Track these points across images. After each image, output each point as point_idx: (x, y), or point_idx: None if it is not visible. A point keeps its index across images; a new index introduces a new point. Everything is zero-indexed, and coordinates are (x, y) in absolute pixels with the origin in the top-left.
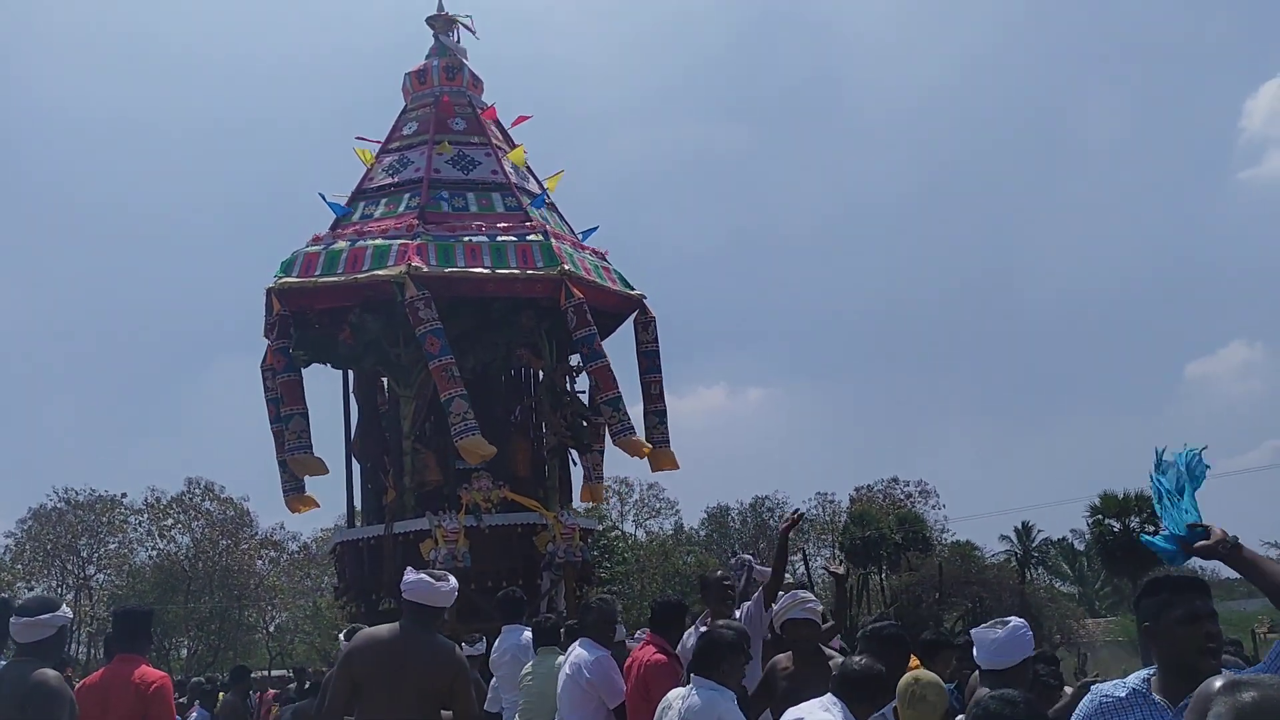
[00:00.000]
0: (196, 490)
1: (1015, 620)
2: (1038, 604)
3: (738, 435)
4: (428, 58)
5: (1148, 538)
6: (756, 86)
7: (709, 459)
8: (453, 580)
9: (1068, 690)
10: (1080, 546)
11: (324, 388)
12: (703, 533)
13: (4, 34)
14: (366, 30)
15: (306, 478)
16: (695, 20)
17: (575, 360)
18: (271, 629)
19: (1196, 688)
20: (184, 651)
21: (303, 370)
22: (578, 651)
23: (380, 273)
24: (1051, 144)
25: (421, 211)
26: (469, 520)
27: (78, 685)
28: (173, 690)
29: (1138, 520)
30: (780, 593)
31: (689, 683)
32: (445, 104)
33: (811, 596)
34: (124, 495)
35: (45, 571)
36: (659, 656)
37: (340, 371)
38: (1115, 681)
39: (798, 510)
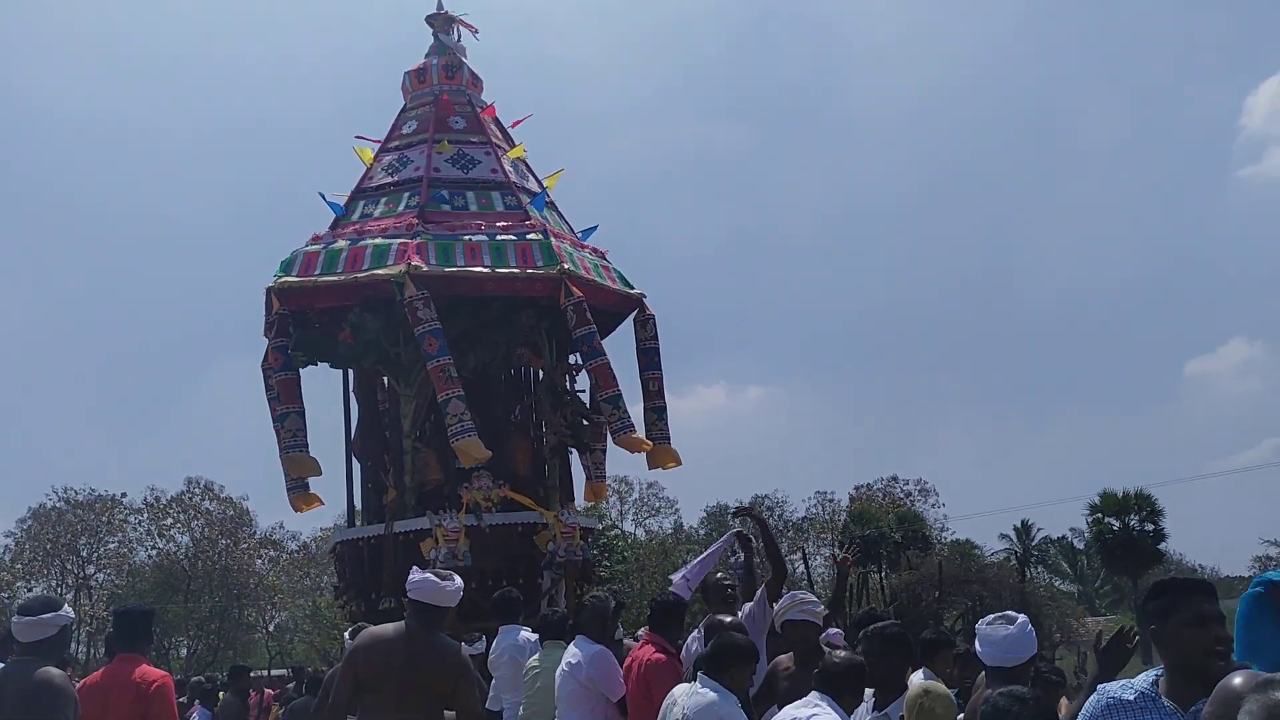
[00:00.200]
0: (196, 490)
1: (1021, 616)
2: (1037, 602)
3: (737, 434)
4: (427, 56)
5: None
6: (756, 87)
7: (709, 458)
8: (458, 580)
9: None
10: (1080, 545)
11: (324, 387)
12: (702, 532)
13: (6, 36)
14: (366, 29)
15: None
16: (695, 20)
17: (575, 359)
18: (271, 628)
19: (1205, 690)
20: (184, 651)
21: (302, 369)
22: (574, 649)
23: (380, 272)
24: (1051, 142)
25: (421, 210)
26: (469, 519)
27: (78, 685)
28: (174, 690)
29: (1137, 518)
30: (783, 590)
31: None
32: (445, 103)
33: (812, 597)
34: (124, 495)
35: (45, 571)
36: (659, 655)
37: (340, 371)
38: (1123, 682)
39: (742, 506)
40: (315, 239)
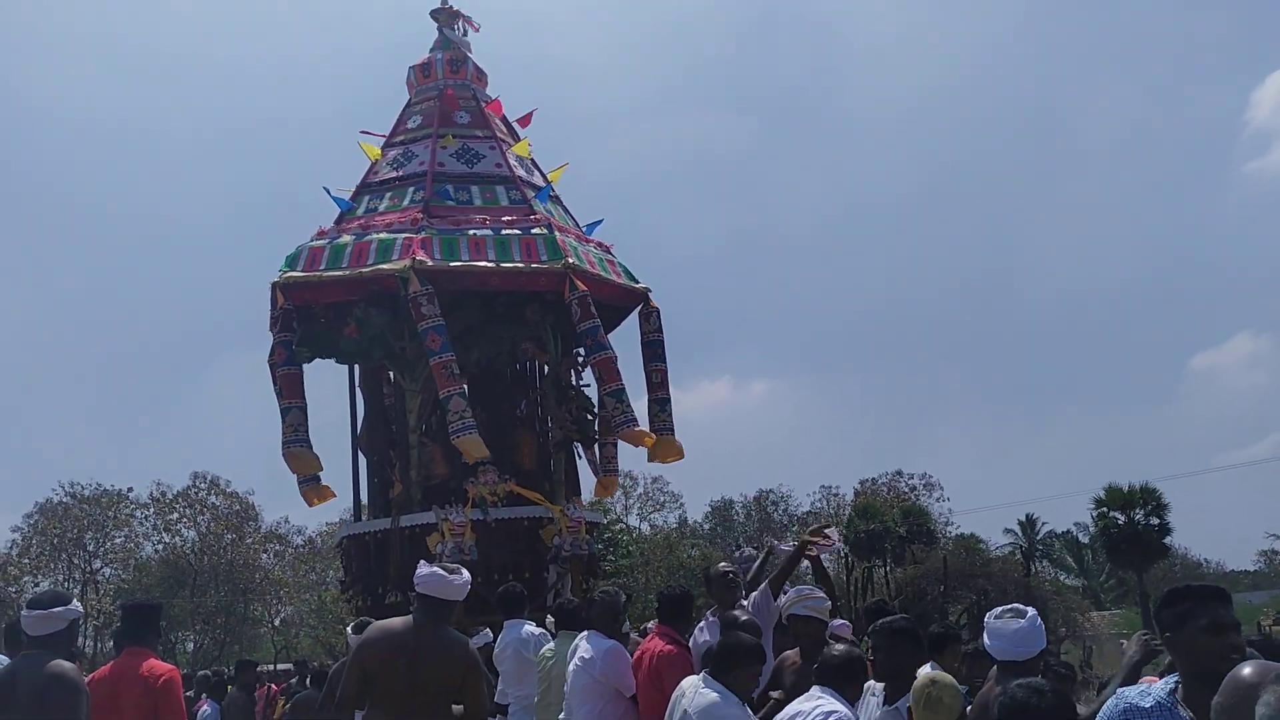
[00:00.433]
0: (202, 484)
1: (1031, 610)
2: (1042, 597)
3: (742, 429)
4: (432, 51)
5: None
6: (759, 84)
7: (713, 452)
8: (465, 574)
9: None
10: (1084, 539)
11: (330, 382)
12: (707, 526)
13: (12, 36)
14: (370, 24)
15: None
16: (697, 18)
17: (580, 354)
18: (277, 623)
19: None
20: (190, 645)
21: (308, 364)
22: (586, 644)
23: (385, 266)
24: (1056, 137)
25: (426, 205)
26: (475, 514)
27: (87, 679)
28: (181, 683)
29: (1142, 513)
30: (786, 585)
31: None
32: (449, 97)
33: (819, 593)
34: (130, 489)
35: (52, 565)
36: (670, 647)
37: (345, 366)
38: (1141, 689)
39: (824, 528)
40: (320, 234)
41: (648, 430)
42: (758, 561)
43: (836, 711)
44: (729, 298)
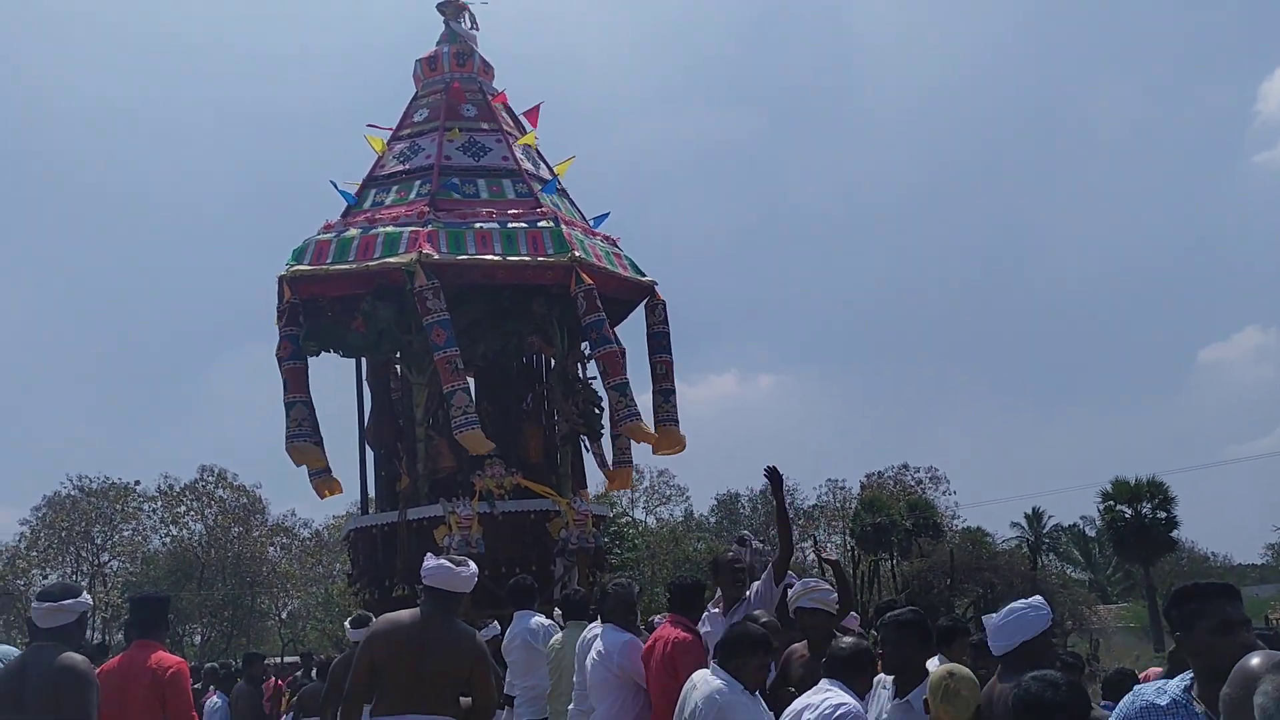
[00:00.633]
0: (209, 477)
1: (1015, 603)
2: (1049, 590)
3: (748, 422)
4: (438, 44)
5: None
6: (766, 78)
7: (720, 446)
8: (473, 566)
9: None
10: (1091, 533)
11: (337, 375)
12: (713, 519)
13: (21, 25)
14: (377, 18)
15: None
16: (705, 12)
17: (586, 347)
18: (284, 616)
19: None
20: (197, 638)
21: (314, 357)
22: (605, 638)
23: (392, 260)
24: (1064, 129)
25: (432, 198)
26: (482, 507)
27: (96, 671)
28: (189, 675)
29: (1149, 506)
30: (791, 574)
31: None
32: (456, 90)
33: (826, 585)
34: (137, 483)
35: (60, 558)
36: (684, 634)
37: (352, 360)
38: (1156, 685)
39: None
40: (327, 227)
41: (650, 426)
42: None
43: (845, 704)
44: (736, 291)
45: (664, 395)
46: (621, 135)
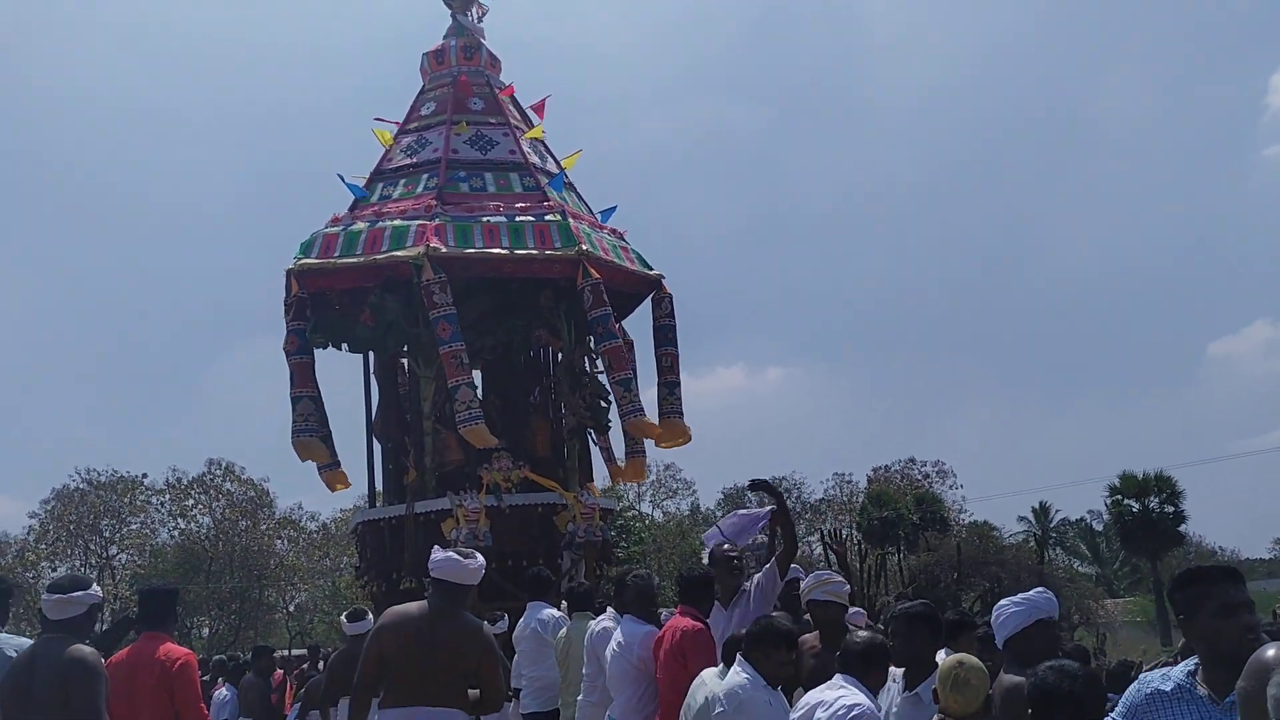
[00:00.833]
0: (217, 471)
1: (1014, 598)
2: (1056, 584)
3: (755, 415)
4: (445, 38)
5: None
6: (776, 69)
7: (727, 439)
8: (480, 558)
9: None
10: (1099, 527)
11: (345, 368)
12: (719, 513)
13: (30, 19)
14: (384, 11)
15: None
16: (713, 5)
17: (593, 341)
18: (291, 608)
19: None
20: (205, 631)
21: (322, 350)
22: (625, 629)
23: (399, 253)
24: (1072, 122)
25: (439, 192)
26: (490, 500)
27: (105, 663)
28: (197, 667)
29: (1157, 500)
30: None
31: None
32: (463, 84)
33: (838, 577)
34: (145, 476)
35: (68, 551)
36: (696, 624)
37: (359, 354)
38: (1161, 672)
39: (758, 480)
40: (334, 221)
41: (655, 419)
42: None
43: (859, 705)
44: (743, 284)
45: (669, 388)
46: (629, 129)
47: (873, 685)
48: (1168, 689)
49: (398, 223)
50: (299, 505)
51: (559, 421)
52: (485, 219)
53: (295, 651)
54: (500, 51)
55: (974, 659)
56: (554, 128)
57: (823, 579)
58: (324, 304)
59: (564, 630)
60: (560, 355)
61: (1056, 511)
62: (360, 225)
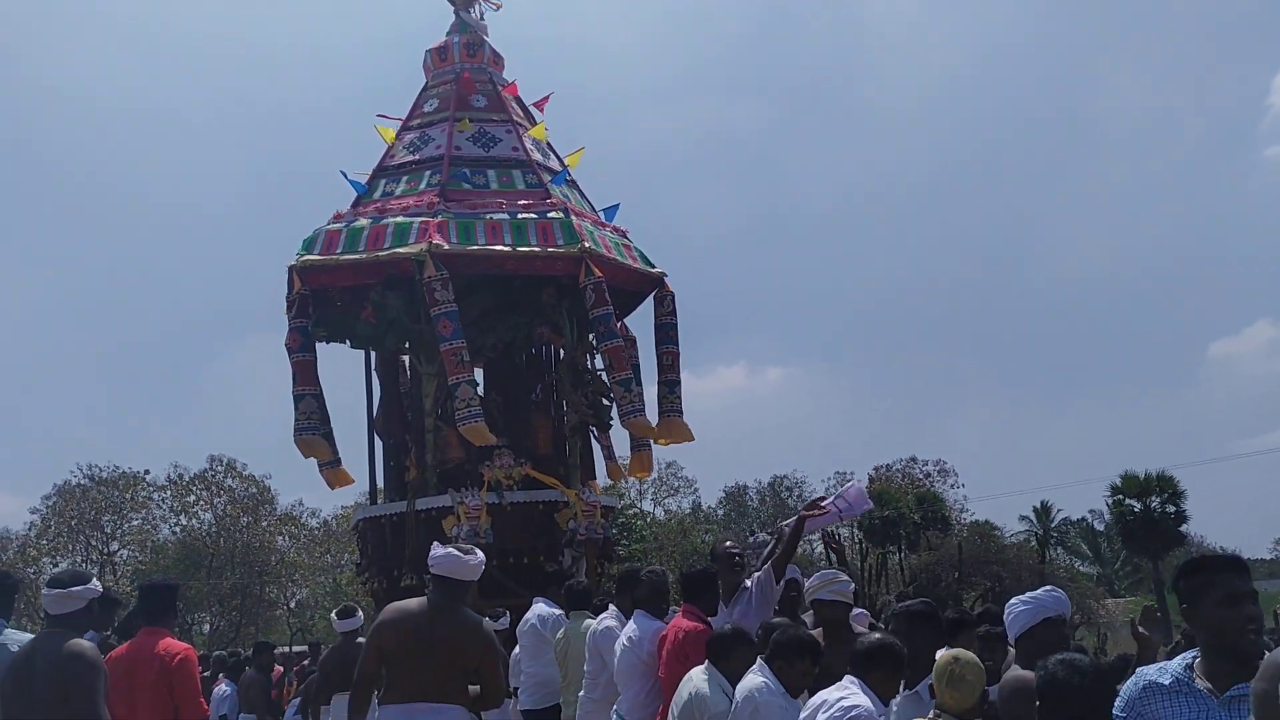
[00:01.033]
0: (219, 467)
1: (1013, 599)
2: (1057, 583)
3: (757, 414)
4: (448, 34)
5: None
6: (779, 67)
7: (728, 438)
8: (480, 554)
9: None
10: (1099, 527)
11: (346, 365)
12: (721, 512)
13: (30, 15)
14: (387, 7)
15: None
16: (716, 2)
17: (594, 339)
18: (292, 605)
19: (1241, 670)
20: (206, 627)
21: (325, 344)
22: (637, 624)
23: (401, 250)
24: (1073, 122)
25: (442, 189)
26: (491, 497)
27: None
28: (197, 662)
29: (1158, 500)
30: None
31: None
32: (466, 81)
33: (844, 577)
34: (147, 472)
35: (70, 547)
36: (698, 625)
37: (361, 351)
38: (1159, 665)
39: (820, 499)
40: (337, 217)
41: (655, 418)
42: (769, 547)
43: (858, 707)
44: (745, 283)
45: (669, 386)
46: (632, 126)
47: (876, 684)
48: (1165, 682)
49: (400, 219)
50: (300, 502)
51: (561, 419)
52: (488, 216)
53: (296, 648)
54: (503, 49)
55: (970, 654)
56: (557, 125)
57: (828, 578)
58: (326, 301)
59: (563, 630)
60: (562, 352)
61: (1058, 511)
62: (363, 222)
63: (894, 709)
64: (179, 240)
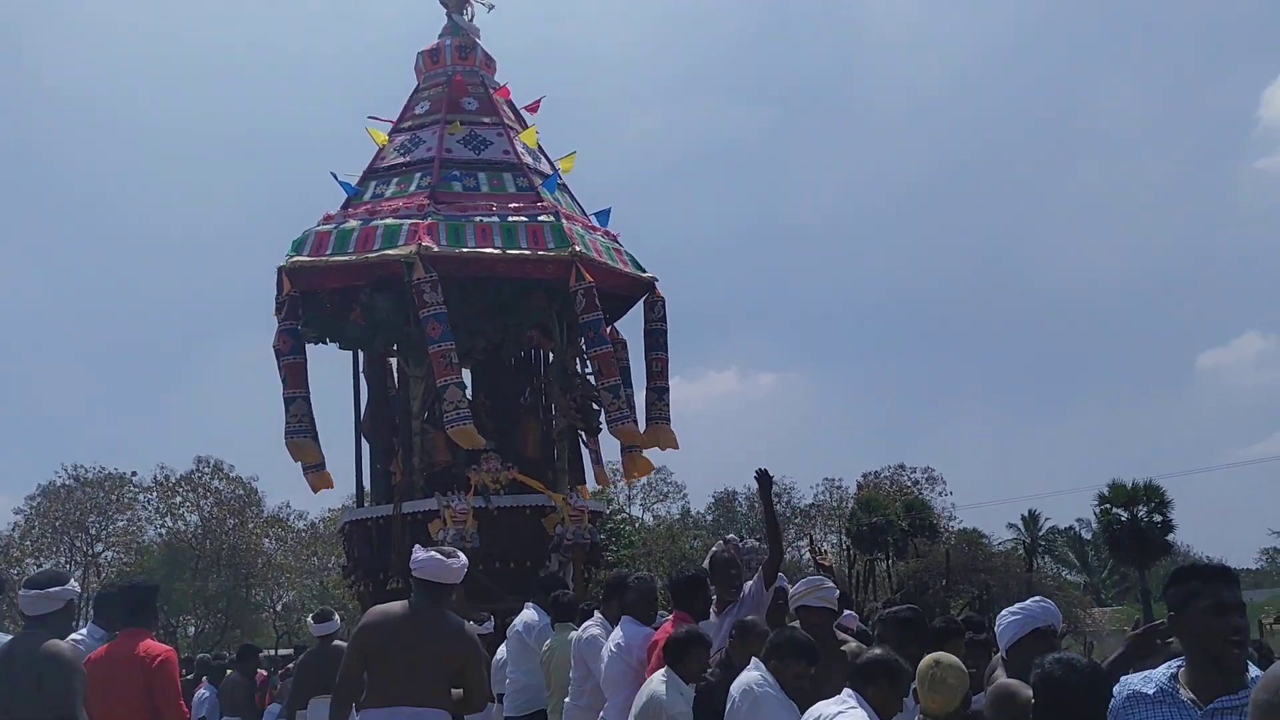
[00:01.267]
0: (205, 469)
1: (1004, 610)
2: (1044, 592)
3: (747, 420)
4: (441, 37)
5: None
6: (775, 71)
7: (719, 444)
8: (463, 557)
9: None
10: (1087, 535)
11: (334, 367)
12: (710, 517)
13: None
14: (379, 10)
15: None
16: (710, 5)
17: (584, 343)
18: (279, 608)
19: (1225, 680)
20: (191, 630)
21: (313, 345)
22: (625, 630)
23: (391, 252)
24: (1066, 132)
25: (433, 191)
26: (478, 501)
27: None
28: (177, 664)
29: (1145, 510)
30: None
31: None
32: (458, 83)
33: (829, 584)
34: (133, 473)
35: (54, 548)
36: None
37: (348, 352)
38: (1143, 675)
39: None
40: (327, 219)
41: (643, 424)
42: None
43: None
44: (737, 288)
45: (658, 393)
46: (625, 129)
47: (872, 699)
48: (1149, 691)
49: (390, 221)
50: (287, 504)
51: (549, 423)
52: (478, 218)
53: (282, 651)
54: (496, 52)
55: (951, 657)
56: (550, 128)
57: (814, 584)
58: (315, 302)
59: (548, 641)
60: (551, 356)
61: (1046, 520)
62: (353, 223)
63: None
64: (167, 241)
